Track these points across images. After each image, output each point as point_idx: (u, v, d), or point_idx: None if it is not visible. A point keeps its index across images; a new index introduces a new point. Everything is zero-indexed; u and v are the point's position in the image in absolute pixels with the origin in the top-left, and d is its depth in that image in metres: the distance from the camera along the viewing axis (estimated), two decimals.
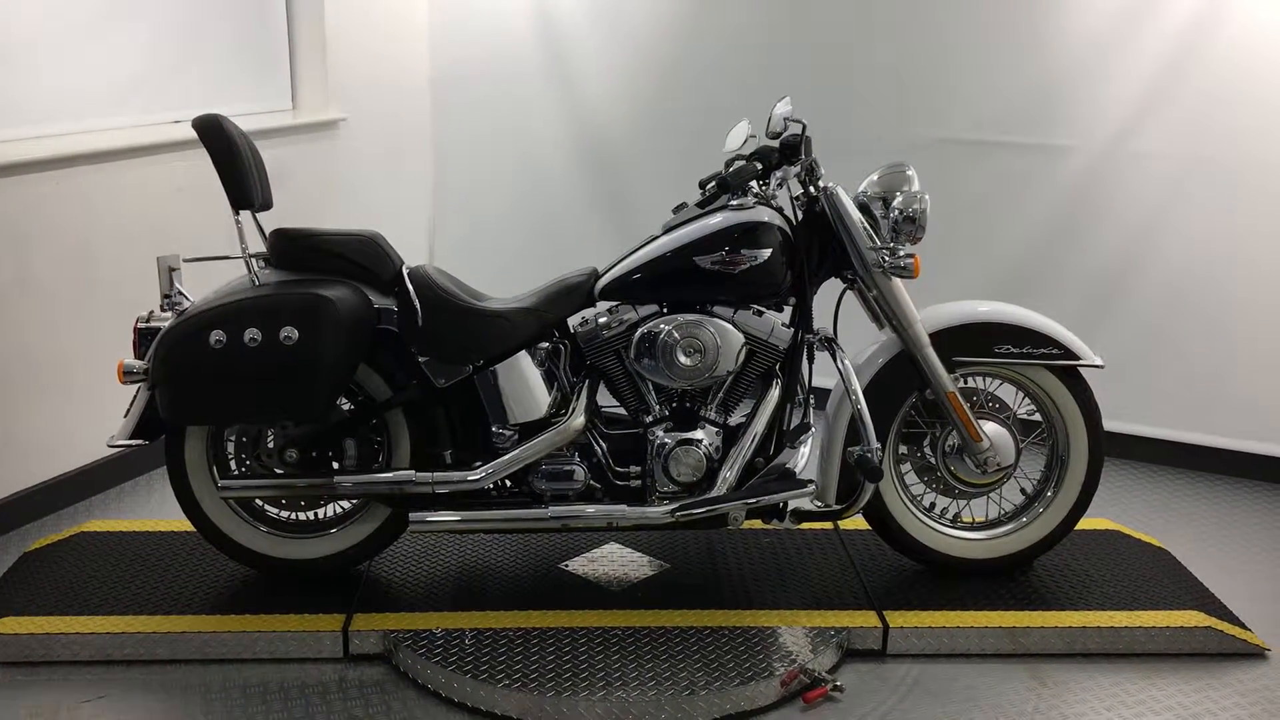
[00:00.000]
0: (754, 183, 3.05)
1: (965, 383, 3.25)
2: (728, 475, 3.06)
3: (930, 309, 3.21)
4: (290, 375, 2.84)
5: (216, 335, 2.83)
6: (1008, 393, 3.30)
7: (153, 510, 3.89)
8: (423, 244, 5.49)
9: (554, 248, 5.19)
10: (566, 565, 3.35)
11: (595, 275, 3.17)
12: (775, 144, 3.07)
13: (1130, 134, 4.28)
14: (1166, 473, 4.33)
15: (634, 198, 5.07)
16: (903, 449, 3.30)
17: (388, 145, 5.19)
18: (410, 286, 3.03)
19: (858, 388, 3.04)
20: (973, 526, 3.33)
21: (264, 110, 4.67)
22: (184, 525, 3.23)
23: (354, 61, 4.90)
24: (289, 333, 2.82)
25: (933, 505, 3.33)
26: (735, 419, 3.18)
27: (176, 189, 4.08)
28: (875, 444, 2.98)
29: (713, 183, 3.17)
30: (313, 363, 2.84)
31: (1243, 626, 3.14)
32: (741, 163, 3.10)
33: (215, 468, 3.13)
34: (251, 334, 2.82)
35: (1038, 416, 3.31)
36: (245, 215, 3.02)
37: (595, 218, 5.21)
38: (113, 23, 3.99)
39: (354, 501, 3.21)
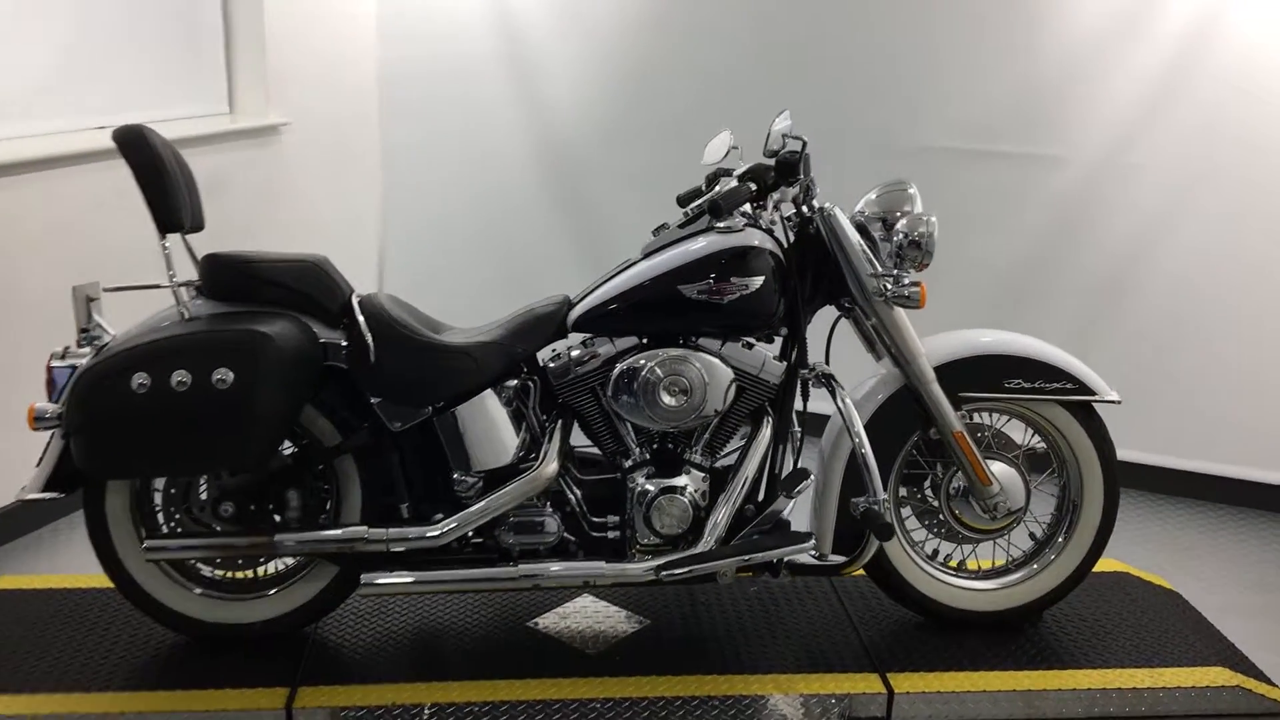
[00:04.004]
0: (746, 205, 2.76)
1: (970, 419, 2.98)
2: (716, 526, 2.77)
3: (931, 339, 2.94)
4: (224, 422, 2.51)
5: (139, 378, 2.48)
6: (1013, 426, 3.04)
7: (71, 562, 3.50)
8: (372, 262, 5.13)
9: (518, 267, 4.88)
10: (536, 623, 3.04)
11: (568, 304, 2.86)
12: (770, 163, 2.78)
13: (1126, 144, 4.05)
14: (1165, 502, 4.12)
15: (603, 211, 4.77)
16: (902, 491, 3.03)
17: (334, 153, 4.84)
18: (360, 318, 2.70)
19: (861, 430, 2.75)
20: (979, 575, 3.06)
21: (197, 115, 4.30)
22: (106, 580, 2.87)
23: (297, 61, 4.55)
24: (222, 374, 2.49)
25: (935, 553, 3.06)
26: (723, 461, 2.89)
27: (99, 204, 3.70)
28: (883, 495, 2.70)
29: (696, 202, 2.87)
30: (249, 408, 2.51)
31: (1271, 683, 2.90)
32: (729, 180, 2.81)
33: (141, 523, 2.79)
34: (180, 376, 2.48)
35: (1040, 443, 3.05)
36: (175, 239, 2.68)
37: (562, 232, 4.90)
38: (20, 22, 3.60)
39: (298, 558, 2.88)
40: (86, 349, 2.69)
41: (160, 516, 2.80)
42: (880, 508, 2.69)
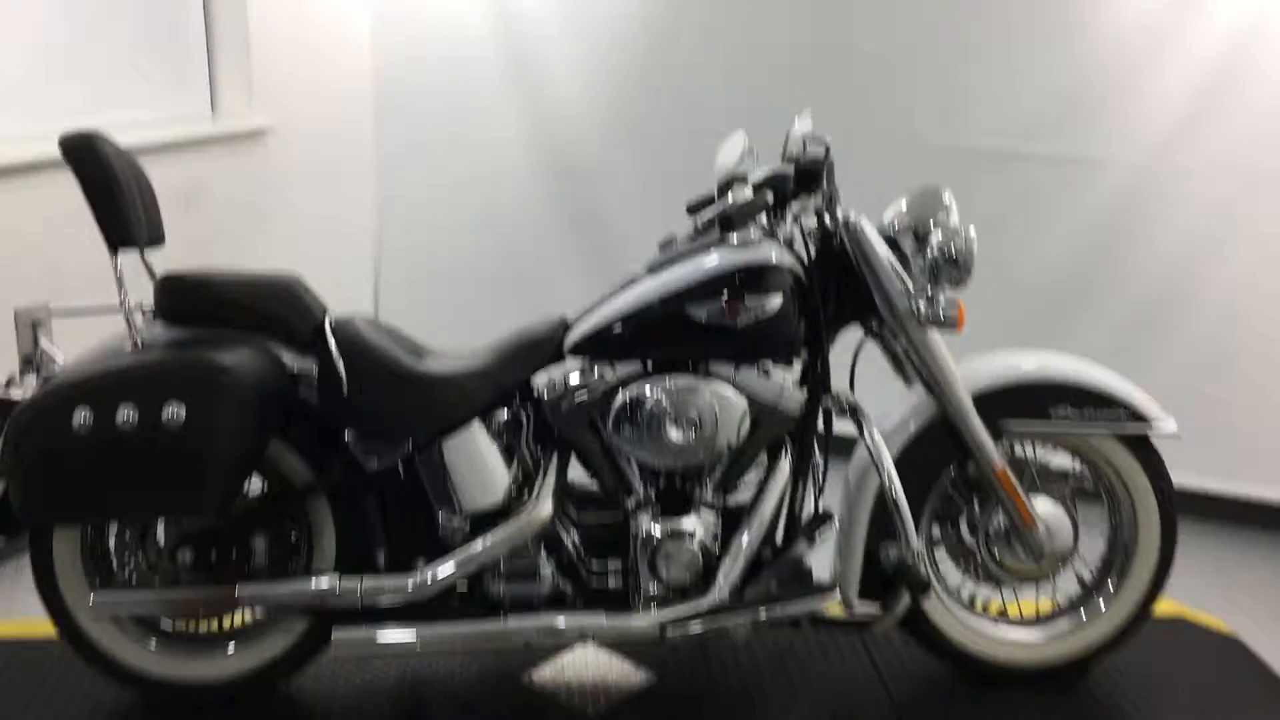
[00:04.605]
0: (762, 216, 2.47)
1: (1012, 451, 2.69)
2: (729, 574, 2.48)
3: (968, 363, 2.65)
4: (175, 465, 2.24)
5: (81, 414, 2.21)
6: (1055, 455, 2.74)
7: (15, 607, 3.16)
8: (365, 278, 4.84)
9: (522, 280, 4.58)
10: (532, 677, 2.76)
11: (564, 326, 2.58)
12: (789, 169, 2.49)
13: (1176, 146, 3.72)
14: (1211, 530, 3.81)
15: (610, 218, 4.46)
16: (935, 530, 2.74)
17: (323, 158, 4.54)
18: (332, 344, 2.43)
19: (891, 468, 2.46)
20: (1021, 623, 2.77)
21: (177, 117, 4.03)
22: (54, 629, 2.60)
23: (284, 60, 4.27)
24: (174, 410, 2.22)
25: (973, 599, 2.77)
26: (736, 499, 2.60)
27: (65, 214, 3.42)
28: (917, 544, 2.41)
29: (705, 211, 2.59)
30: (204, 448, 2.24)
31: None
32: (743, 189, 2.52)
33: (93, 569, 2.52)
34: (126, 412, 2.21)
35: (1088, 477, 2.75)
36: (133, 256, 2.42)
37: (567, 242, 4.59)
38: None
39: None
40: (31, 377, 2.43)
41: (113, 563, 2.53)
42: (915, 559, 2.39)
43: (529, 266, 4.61)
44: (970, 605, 2.76)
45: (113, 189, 2.35)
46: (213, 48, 4.11)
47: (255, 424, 2.32)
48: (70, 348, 2.45)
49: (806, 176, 2.47)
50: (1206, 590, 3.40)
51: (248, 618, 2.63)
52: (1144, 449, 2.68)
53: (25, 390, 2.38)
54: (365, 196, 4.79)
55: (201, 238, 3.88)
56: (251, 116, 4.16)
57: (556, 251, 4.58)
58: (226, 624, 2.63)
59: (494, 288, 4.65)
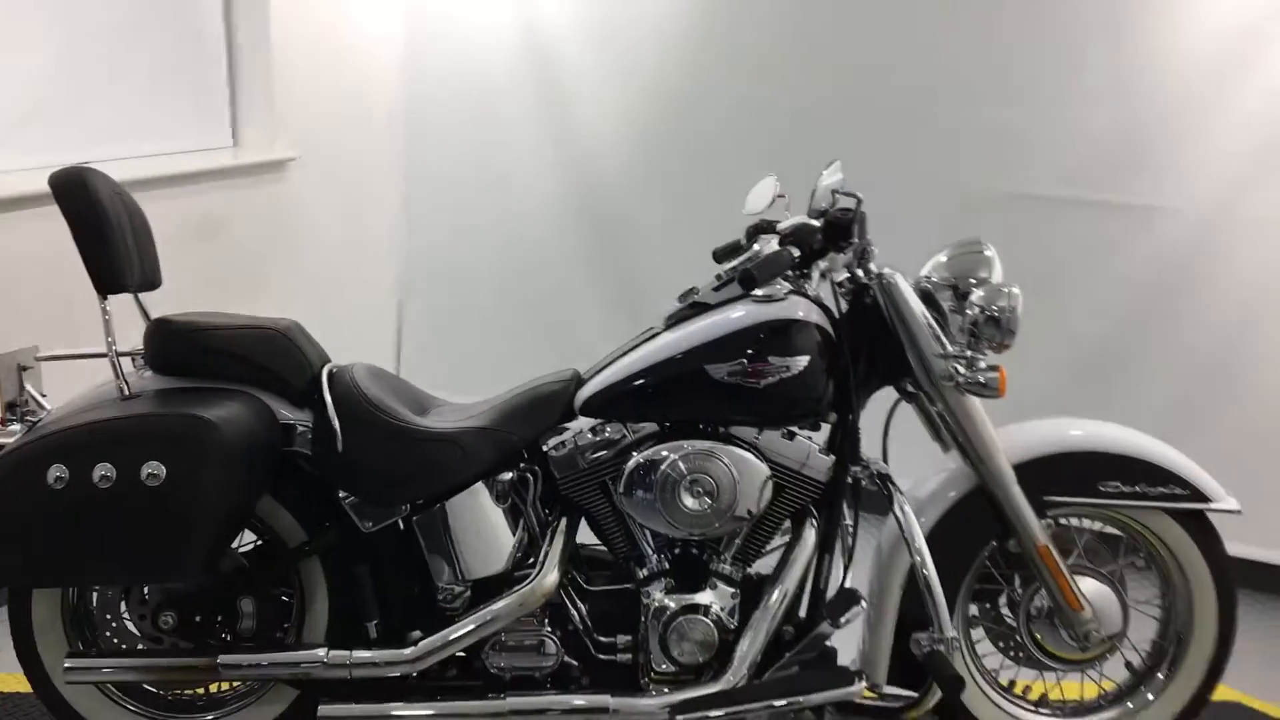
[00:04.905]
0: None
1: (1056, 525, 2.49)
2: (747, 654, 2.30)
3: (1010, 430, 2.45)
4: (155, 527, 2.10)
5: (57, 470, 2.09)
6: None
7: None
8: (388, 312, 4.72)
9: (545, 319, 4.45)
10: None
11: (576, 381, 2.42)
12: (817, 224, 2.32)
13: (1246, 193, 3.47)
14: (1275, 605, 3.57)
15: (639, 258, 4.33)
16: (973, 608, 2.55)
17: (347, 191, 4.43)
18: (328, 397, 2.29)
19: (923, 546, 2.27)
20: (1064, 712, 2.56)
21: (198, 148, 3.94)
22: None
23: (308, 89, 4.17)
24: (153, 469, 2.08)
25: (1011, 684, 2.57)
26: (757, 571, 2.42)
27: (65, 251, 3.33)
28: (951, 632, 2.21)
29: (731, 263, 2.42)
30: (185, 510, 2.10)
31: None
32: (769, 240, 2.36)
33: (75, 630, 2.39)
34: (103, 470, 2.08)
35: (1139, 556, 2.54)
36: (124, 299, 2.30)
37: (598, 282, 4.45)
38: (2, 45, 3.26)
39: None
40: (16, 425, 2.31)
41: (95, 624, 2.40)
42: (948, 649, 2.20)
43: (555, 305, 4.48)
44: (1009, 690, 2.56)
45: (103, 229, 2.23)
46: (234, 76, 4.02)
47: (241, 483, 2.18)
48: (74, 387, 2.34)
49: (835, 231, 2.31)
50: (1268, 672, 3.17)
51: (236, 684, 2.49)
52: (1198, 523, 2.47)
53: (7, 438, 2.26)
54: (390, 231, 4.68)
55: (219, 271, 3.78)
56: (274, 147, 4.06)
57: (583, 287, 4.45)
58: (214, 688, 2.49)
59: (519, 326, 4.52)
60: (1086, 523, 2.52)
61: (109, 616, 2.39)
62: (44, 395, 2.39)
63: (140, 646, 2.38)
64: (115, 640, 2.39)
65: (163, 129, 3.79)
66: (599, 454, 2.35)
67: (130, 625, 2.39)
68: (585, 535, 2.45)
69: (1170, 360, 3.67)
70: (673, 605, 2.33)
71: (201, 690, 2.49)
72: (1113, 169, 3.67)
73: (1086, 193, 3.69)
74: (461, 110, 4.54)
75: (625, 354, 2.39)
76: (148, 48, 3.73)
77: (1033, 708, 2.55)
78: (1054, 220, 3.73)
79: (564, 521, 2.38)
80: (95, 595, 2.40)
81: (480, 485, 2.36)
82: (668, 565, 2.39)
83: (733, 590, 2.36)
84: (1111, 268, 3.71)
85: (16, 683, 2.74)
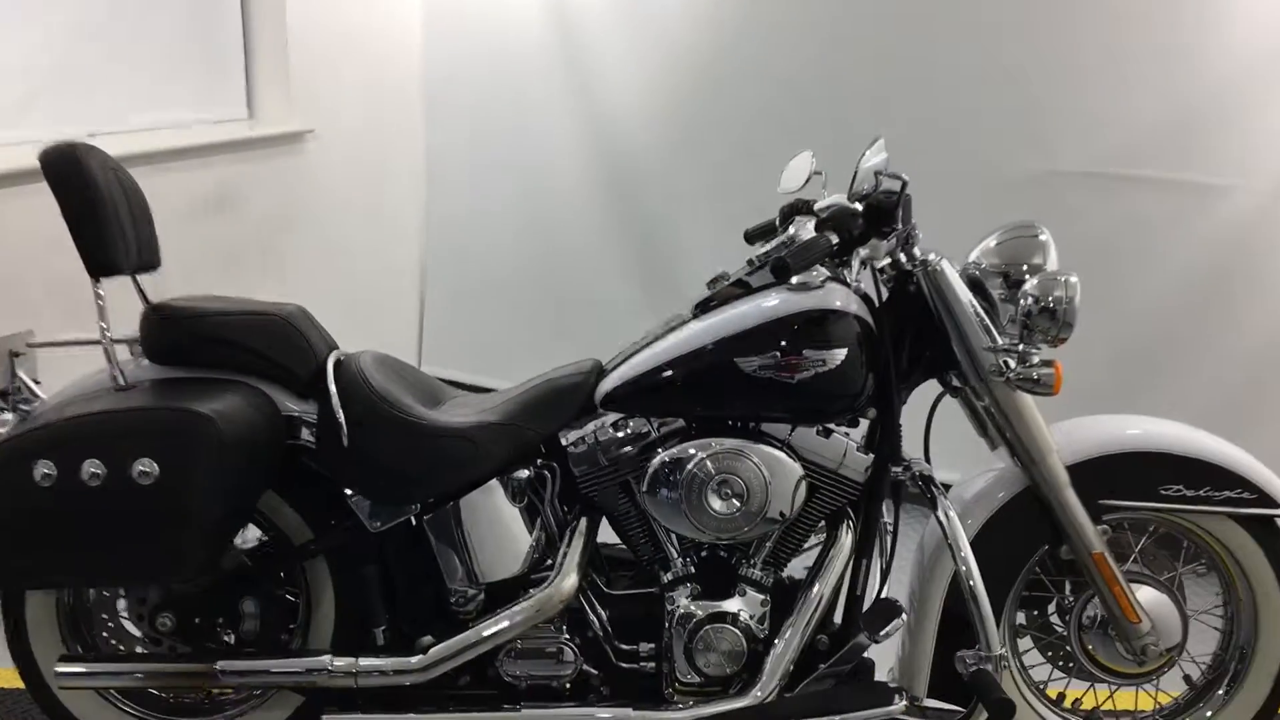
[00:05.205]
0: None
1: (1112, 531, 2.32)
2: (777, 666, 2.16)
3: (1063, 428, 2.28)
4: (149, 526, 1.98)
5: (44, 467, 1.96)
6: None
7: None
8: (411, 288, 4.58)
9: (569, 295, 4.30)
10: None
11: (598, 373, 2.27)
12: (858, 208, 2.15)
13: None
14: None
15: (667, 236, 4.19)
16: (1020, 617, 2.38)
17: (367, 163, 4.30)
18: (333, 388, 2.15)
19: (969, 555, 2.10)
20: None
21: (213, 120, 3.80)
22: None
23: (325, 60, 4.03)
24: (145, 466, 1.95)
25: (1060, 697, 2.41)
26: (789, 576, 2.27)
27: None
28: (999, 650, 2.05)
29: (764, 247, 2.26)
30: (180, 509, 1.97)
31: None
32: (805, 223, 2.19)
33: (71, 630, 2.28)
34: (92, 467, 1.96)
35: (1202, 563, 2.37)
36: (121, 281, 2.17)
37: (620, 256, 4.31)
38: (14, 14, 3.12)
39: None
40: (7, 415, 2.19)
41: (90, 624, 2.29)
42: (996, 668, 2.04)
43: (579, 279, 4.34)
44: (1058, 703, 2.40)
45: (95, 208, 2.09)
46: (250, 47, 3.87)
47: (239, 480, 2.05)
48: (76, 372, 2.22)
49: (877, 215, 2.13)
50: None
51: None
52: (1265, 529, 2.29)
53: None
54: (410, 205, 4.54)
55: (234, 246, 3.65)
56: (290, 119, 3.92)
57: (607, 271, 4.29)
58: (216, 691, 2.38)
59: (542, 302, 4.38)
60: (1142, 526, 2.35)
61: (105, 616, 2.28)
62: (38, 382, 2.27)
63: (138, 649, 2.26)
64: (112, 641, 2.29)
65: (177, 100, 3.65)
66: (621, 451, 2.21)
67: (128, 626, 2.27)
68: (606, 533, 2.31)
69: (1228, 348, 3.48)
70: (699, 612, 2.18)
71: (201, 695, 2.37)
72: (1164, 143, 3.48)
73: (1134, 169, 3.50)
74: (482, 88, 4.40)
75: (650, 344, 2.23)
76: (162, 17, 3.59)
77: None
78: (1100, 201, 3.56)
79: (583, 522, 2.24)
80: (91, 594, 2.28)
81: (495, 483, 2.22)
82: (694, 569, 2.24)
83: (763, 597, 2.21)
84: (1161, 252, 3.53)
85: (15, 679, 2.64)
